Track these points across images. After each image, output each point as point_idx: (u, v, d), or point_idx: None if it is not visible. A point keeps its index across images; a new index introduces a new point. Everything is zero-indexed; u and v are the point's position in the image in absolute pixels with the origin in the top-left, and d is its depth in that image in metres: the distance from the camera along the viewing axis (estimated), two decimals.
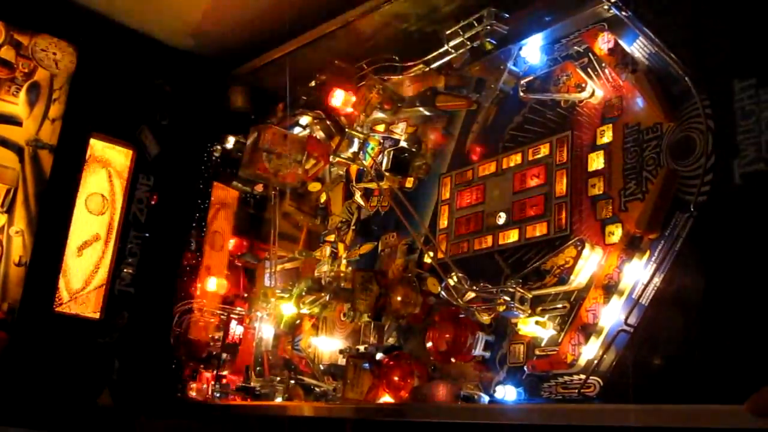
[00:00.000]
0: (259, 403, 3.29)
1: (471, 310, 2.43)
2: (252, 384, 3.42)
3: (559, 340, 2.22)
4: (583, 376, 2.10)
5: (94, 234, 3.63)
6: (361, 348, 2.92)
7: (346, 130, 3.26)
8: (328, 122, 3.44)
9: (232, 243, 3.94)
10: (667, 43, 2.16)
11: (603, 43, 2.36)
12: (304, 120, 3.61)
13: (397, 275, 2.90)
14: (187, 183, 3.93)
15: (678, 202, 2.04)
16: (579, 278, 2.23)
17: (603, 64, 2.40)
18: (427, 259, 2.82)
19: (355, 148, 3.26)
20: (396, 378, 2.65)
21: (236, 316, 3.65)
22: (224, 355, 3.57)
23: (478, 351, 2.44)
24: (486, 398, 2.36)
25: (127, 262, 3.73)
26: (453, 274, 2.51)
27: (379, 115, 3.18)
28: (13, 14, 3.60)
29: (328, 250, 3.40)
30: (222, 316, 3.72)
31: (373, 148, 3.24)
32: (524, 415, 2.13)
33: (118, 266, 3.70)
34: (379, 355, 2.81)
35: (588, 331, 2.14)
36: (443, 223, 2.84)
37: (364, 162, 3.23)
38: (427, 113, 3.05)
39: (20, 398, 3.29)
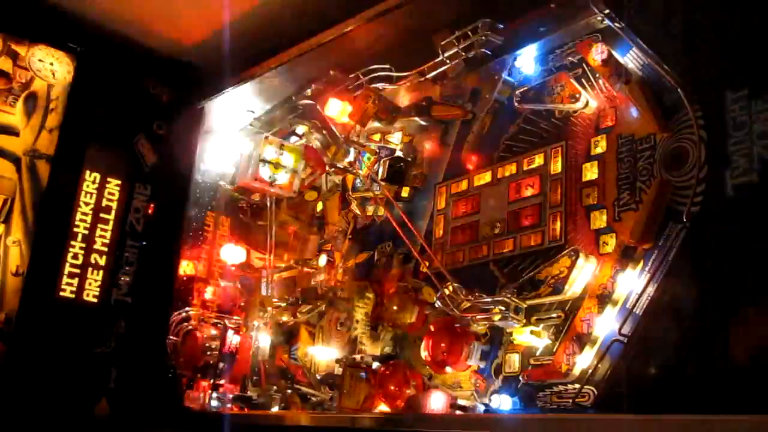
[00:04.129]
0: (256, 413, 3.29)
1: (466, 319, 2.44)
2: (249, 393, 3.42)
3: (554, 350, 2.23)
4: (577, 386, 2.11)
5: None
6: (358, 357, 2.93)
7: (342, 139, 3.28)
8: (324, 132, 3.45)
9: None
10: (660, 54, 2.17)
11: (597, 53, 2.38)
12: (301, 129, 3.62)
13: (393, 284, 2.91)
14: (184, 191, 3.94)
15: (671, 212, 2.05)
16: (573, 288, 2.24)
17: (597, 75, 2.41)
18: (423, 269, 2.82)
19: (351, 157, 3.27)
20: (392, 387, 2.66)
21: (233, 325, 3.65)
22: (221, 364, 3.57)
23: (474, 360, 2.45)
24: (481, 407, 2.37)
25: (124, 271, 3.74)
26: (448, 283, 2.52)
27: (375, 124, 3.19)
28: (11, 25, 3.62)
29: (324, 259, 3.41)
30: (219, 325, 3.72)
31: (369, 158, 3.25)
32: (519, 424, 2.13)
33: (115, 275, 3.70)
34: (375, 364, 2.82)
35: (582, 340, 2.15)
36: (439, 232, 2.84)
37: (360, 171, 3.24)
38: (422, 123, 3.07)
39: (18, 407, 3.29)
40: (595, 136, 2.38)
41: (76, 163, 3.67)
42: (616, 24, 2.28)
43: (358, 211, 3.29)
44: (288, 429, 2.99)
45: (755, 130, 1.92)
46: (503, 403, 2.31)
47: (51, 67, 3.69)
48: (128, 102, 3.85)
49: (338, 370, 3.01)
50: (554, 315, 2.29)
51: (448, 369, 2.51)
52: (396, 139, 3.18)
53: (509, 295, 2.32)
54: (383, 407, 2.67)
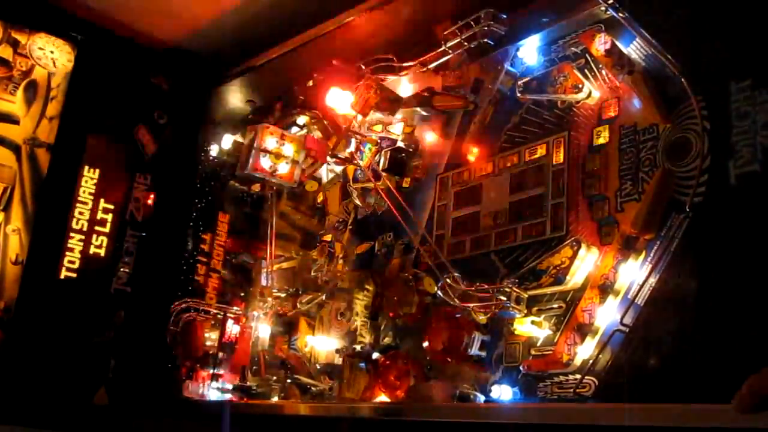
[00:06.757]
0: (256, 402, 3.29)
1: (467, 309, 2.43)
2: (248, 383, 3.42)
3: (555, 340, 2.23)
4: (578, 376, 2.11)
5: None
6: (358, 347, 2.93)
7: (344, 129, 3.27)
8: (325, 122, 3.44)
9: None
10: (664, 44, 2.16)
11: (600, 44, 2.37)
12: (302, 120, 3.61)
13: (393, 275, 2.90)
14: (185, 181, 3.93)
15: (674, 202, 2.04)
16: (575, 278, 2.23)
17: (600, 65, 2.40)
18: (424, 259, 2.82)
19: (352, 148, 3.26)
20: (392, 377, 2.66)
21: (233, 315, 3.64)
22: (220, 354, 3.56)
23: (474, 351, 2.45)
24: (482, 398, 2.36)
25: (123, 261, 3.73)
26: (449, 273, 2.51)
27: (376, 115, 3.18)
28: (11, 13, 3.61)
29: (325, 249, 3.40)
30: (219, 315, 3.72)
31: (370, 148, 3.24)
32: (520, 414, 2.13)
33: (115, 265, 3.70)
34: (375, 355, 2.82)
35: (584, 331, 2.15)
36: (440, 223, 2.84)
37: (361, 162, 3.23)
38: (424, 113, 3.06)
39: (16, 396, 3.29)
40: (597, 127, 2.37)
41: (76, 152, 3.66)
42: (620, 14, 2.27)
43: (358, 202, 3.29)
44: (287, 418, 2.99)
45: (759, 120, 1.92)
46: (504, 393, 2.31)
47: (51, 56, 3.68)
48: (129, 91, 3.84)
49: (338, 361, 3.01)
50: (555, 305, 2.29)
51: (448, 359, 2.51)
52: (397, 129, 3.17)
53: (510, 286, 2.32)
54: (383, 397, 2.67)
